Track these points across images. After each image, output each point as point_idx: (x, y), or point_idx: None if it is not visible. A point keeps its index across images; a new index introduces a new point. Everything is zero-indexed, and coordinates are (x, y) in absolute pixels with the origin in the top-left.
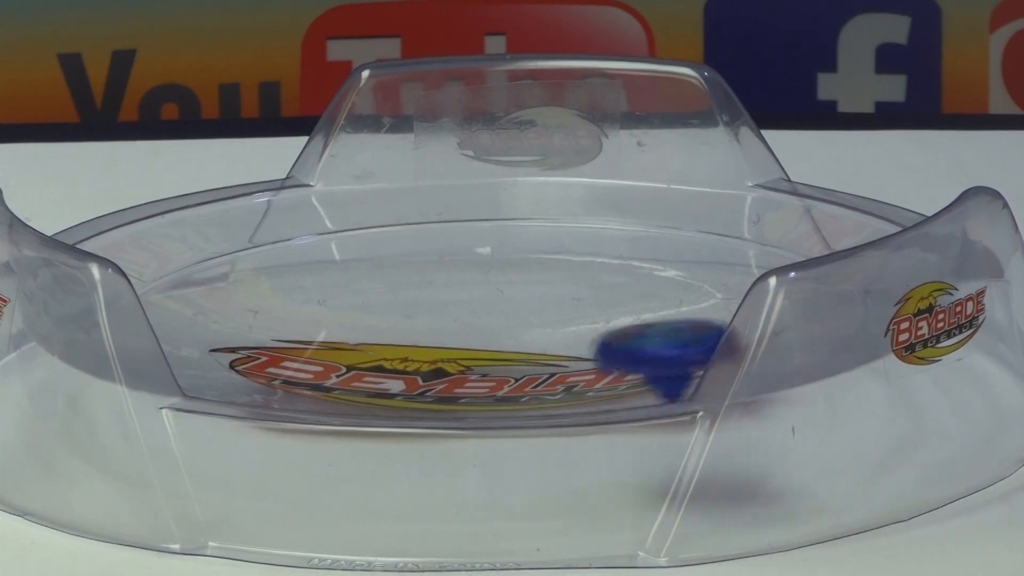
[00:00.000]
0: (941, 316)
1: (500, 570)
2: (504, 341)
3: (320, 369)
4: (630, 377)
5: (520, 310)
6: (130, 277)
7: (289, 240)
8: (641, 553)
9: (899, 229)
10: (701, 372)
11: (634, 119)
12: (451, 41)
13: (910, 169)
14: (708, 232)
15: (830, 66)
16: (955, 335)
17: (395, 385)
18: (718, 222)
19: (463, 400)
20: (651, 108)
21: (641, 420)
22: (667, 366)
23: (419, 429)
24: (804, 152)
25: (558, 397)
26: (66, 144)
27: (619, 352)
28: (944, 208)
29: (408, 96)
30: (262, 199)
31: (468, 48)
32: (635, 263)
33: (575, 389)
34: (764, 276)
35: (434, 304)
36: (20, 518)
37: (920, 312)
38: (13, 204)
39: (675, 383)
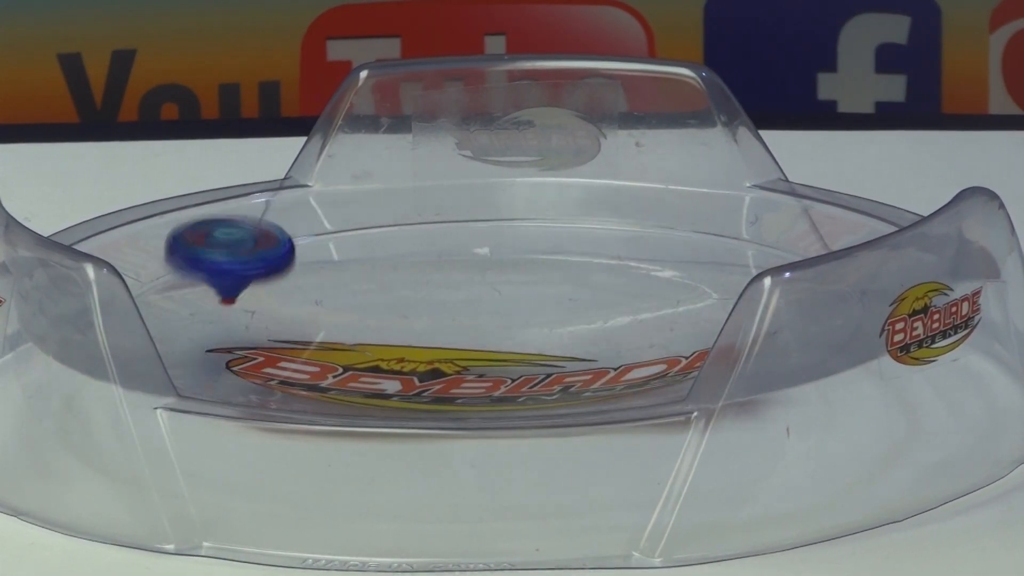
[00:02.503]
0: (936, 316)
1: (494, 570)
2: (501, 341)
3: (317, 369)
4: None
5: (517, 310)
6: (127, 277)
7: None
8: (636, 553)
9: (896, 229)
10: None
11: (632, 119)
12: (451, 41)
13: (910, 169)
14: (706, 232)
15: (830, 66)
16: (951, 335)
17: (391, 385)
18: (716, 222)
19: (459, 400)
20: (649, 108)
21: (637, 420)
22: (224, 275)
23: (415, 430)
24: (804, 152)
25: (554, 397)
26: (66, 144)
27: (183, 252)
28: (940, 208)
29: (406, 96)
30: (260, 199)
31: (468, 48)
32: (633, 263)
33: (571, 389)
34: (759, 276)
35: (431, 304)
36: (15, 518)
37: (915, 312)
38: (12, 204)
39: (231, 287)
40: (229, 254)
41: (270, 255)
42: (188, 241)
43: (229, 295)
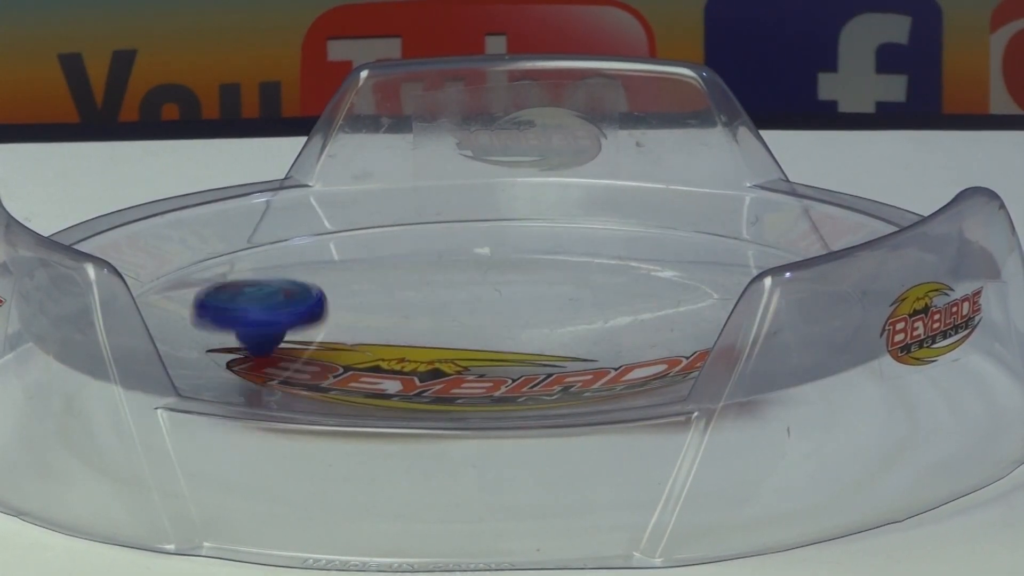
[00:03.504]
0: (937, 317)
1: (495, 571)
2: (501, 341)
3: (317, 369)
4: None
5: (518, 310)
6: (127, 278)
7: (287, 240)
8: (636, 554)
9: (897, 229)
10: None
11: (633, 119)
12: (451, 41)
13: (911, 169)
14: (706, 232)
15: (831, 66)
16: (951, 335)
17: (392, 386)
18: (716, 222)
19: (460, 400)
20: (650, 108)
21: (637, 420)
22: (257, 328)
23: (416, 430)
24: (805, 152)
25: (555, 397)
26: (66, 144)
27: (212, 309)
28: (941, 208)
29: (407, 96)
30: (260, 199)
31: (468, 48)
32: (633, 263)
33: (572, 389)
34: (760, 276)
35: (432, 304)
36: (16, 518)
37: (916, 312)
38: (12, 204)
39: (264, 344)
40: (261, 306)
41: (300, 305)
42: (216, 300)
43: (260, 351)
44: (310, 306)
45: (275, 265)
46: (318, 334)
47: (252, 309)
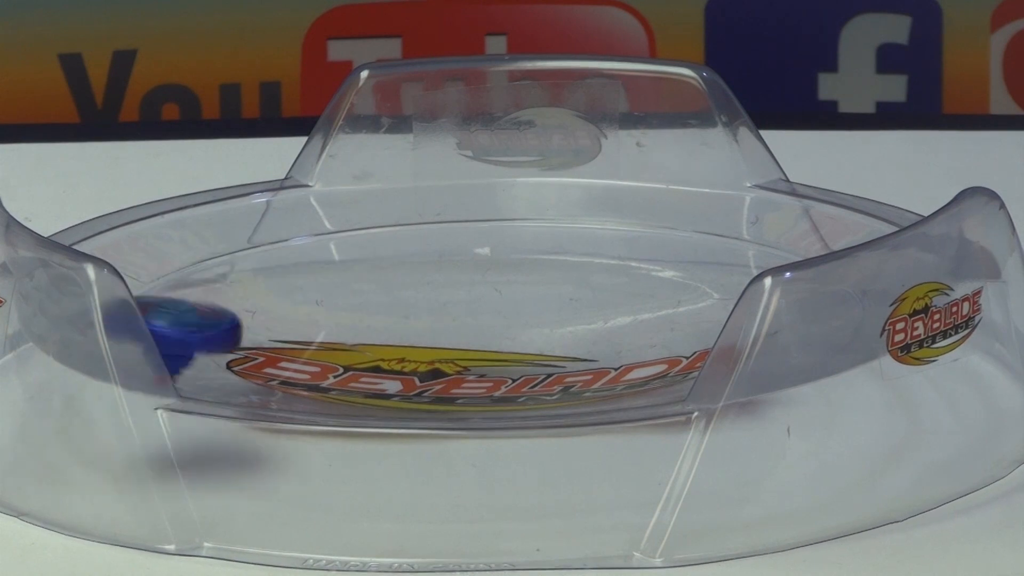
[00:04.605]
0: (937, 316)
1: (495, 571)
2: (501, 341)
3: (317, 370)
4: None
5: (518, 310)
6: (128, 278)
7: (287, 240)
8: (636, 553)
9: (897, 229)
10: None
11: (633, 119)
12: (452, 41)
13: (911, 169)
14: (706, 232)
15: (831, 66)
16: (951, 335)
17: (392, 386)
18: (716, 222)
19: (460, 401)
20: (650, 108)
21: (637, 420)
22: (168, 345)
23: (416, 430)
24: (805, 152)
25: (555, 397)
26: (66, 144)
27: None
28: (940, 208)
29: (407, 96)
30: (260, 199)
31: (469, 48)
32: (633, 263)
33: (572, 390)
34: (760, 276)
35: (432, 304)
36: (16, 518)
37: (916, 312)
38: (13, 204)
39: (175, 361)
40: (173, 322)
41: (214, 327)
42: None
43: (171, 370)
44: (222, 331)
45: (275, 265)
46: (318, 333)
47: (166, 323)
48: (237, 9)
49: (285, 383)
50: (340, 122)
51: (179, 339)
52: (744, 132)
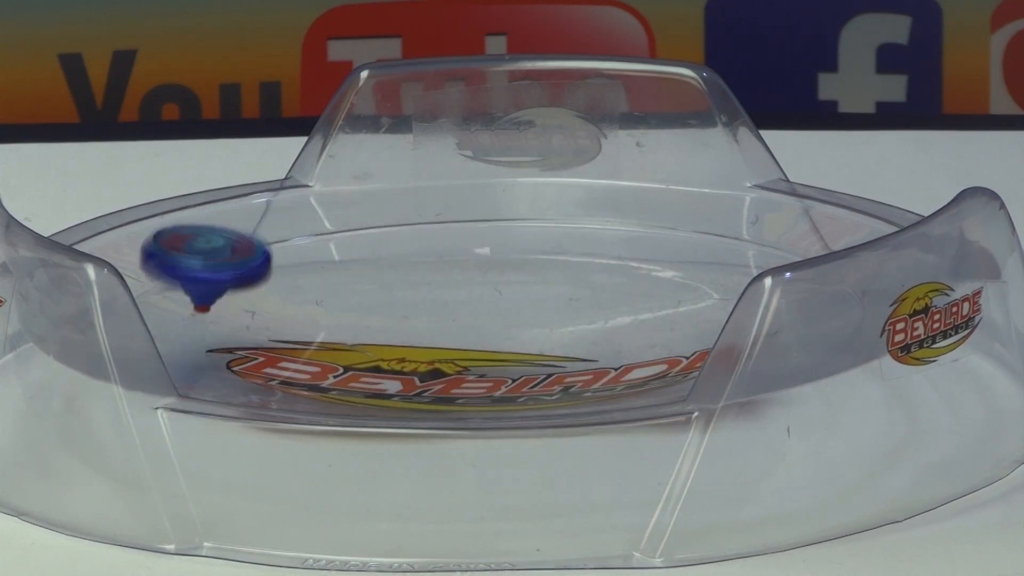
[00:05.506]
0: (937, 317)
1: (495, 571)
2: (501, 341)
3: (317, 370)
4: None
5: (518, 310)
6: (127, 277)
7: (287, 240)
8: (636, 554)
9: (897, 229)
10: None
11: (633, 119)
12: (452, 41)
13: (911, 169)
14: (706, 232)
15: (831, 66)
16: (951, 336)
17: (392, 386)
18: (716, 222)
19: (460, 400)
20: (650, 108)
21: (637, 421)
22: (198, 283)
23: (416, 430)
24: (805, 152)
25: (555, 397)
26: (66, 144)
27: (159, 258)
28: (941, 208)
29: (407, 96)
30: (260, 199)
31: (469, 48)
32: (633, 264)
33: (572, 389)
34: (760, 276)
35: (432, 304)
36: (16, 518)
37: (916, 313)
38: (13, 204)
39: (205, 294)
40: (204, 261)
41: (245, 265)
42: (165, 248)
43: (203, 302)
44: (254, 267)
45: (275, 265)
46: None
47: (196, 263)
48: (237, 9)
49: (285, 383)
50: (340, 122)
51: (212, 280)
52: (744, 132)
